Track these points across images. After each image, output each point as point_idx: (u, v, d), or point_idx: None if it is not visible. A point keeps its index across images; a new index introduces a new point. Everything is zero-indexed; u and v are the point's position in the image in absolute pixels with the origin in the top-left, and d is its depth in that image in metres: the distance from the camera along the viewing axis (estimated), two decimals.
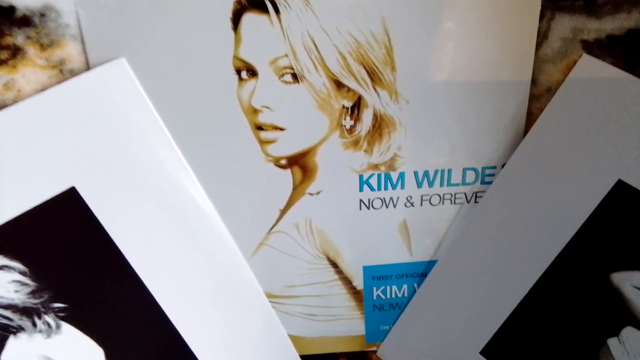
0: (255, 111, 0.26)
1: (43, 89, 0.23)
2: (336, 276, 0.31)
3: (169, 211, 0.26)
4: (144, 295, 0.26)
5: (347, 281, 0.31)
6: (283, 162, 0.27)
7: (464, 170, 0.28)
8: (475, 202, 0.29)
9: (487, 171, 0.28)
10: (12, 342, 0.23)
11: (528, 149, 0.27)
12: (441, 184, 0.29)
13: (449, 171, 0.28)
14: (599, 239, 0.26)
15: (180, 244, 0.27)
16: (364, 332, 0.33)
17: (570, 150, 0.26)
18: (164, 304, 0.27)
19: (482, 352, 0.29)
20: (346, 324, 0.32)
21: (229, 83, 0.25)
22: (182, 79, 0.25)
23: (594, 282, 0.26)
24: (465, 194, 0.29)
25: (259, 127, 0.26)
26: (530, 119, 0.27)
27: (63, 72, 0.23)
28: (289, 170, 0.28)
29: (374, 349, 0.33)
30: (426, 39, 0.25)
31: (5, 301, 0.23)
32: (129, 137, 0.25)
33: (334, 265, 0.30)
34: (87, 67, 0.24)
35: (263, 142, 0.27)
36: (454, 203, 0.29)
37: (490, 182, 0.29)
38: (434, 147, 0.27)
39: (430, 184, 0.29)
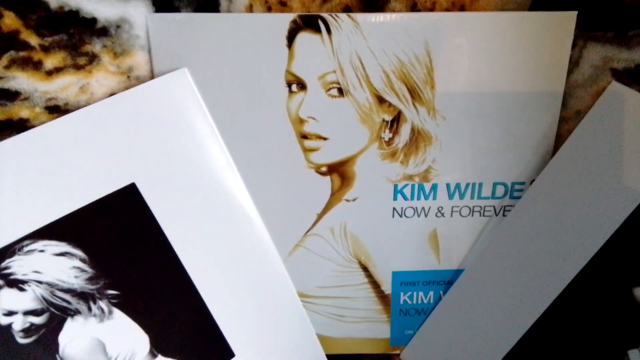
0: (301, 121, 0.27)
1: (112, 94, 0.25)
2: (366, 280, 0.32)
3: (216, 210, 0.28)
4: (188, 287, 0.28)
5: (375, 285, 0.32)
6: (324, 169, 0.29)
7: (494, 184, 0.30)
8: (504, 215, 0.30)
9: (516, 186, 0.30)
10: (69, 323, 0.25)
11: (556, 167, 0.29)
12: (472, 197, 0.30)
13: (480, 185, 0.30)
14: (623, 255, 0.27)
15: (224, 241, 0.29)
16: (389, 336, 0.34)
17: (596, 170, 0.28)
18: (206, 297, 0.28)
19: (505, 359, 0.30)
20: (372, 326, 0.33)
21: (280, 95, 0.27)
22: (238, 89, 0.27)
23: (616, 295, 0.27)
24: (494, 207, 0.30)
25: (304, 136, 0.28)
26: (559, 139, 0.29)
27: (130, 79, 0.25)
28: (328, 177, 0.29)
29: (397, 352, 0.34)
30: (464, 61, 0.27)
31: (66, 285, 0.24)
32: (186, 141, 0.27)
33: (365, 269, 0.32)
34: (152, 75, 0.26)
35: (307, 150, 0.28)
36: (483, 215, 0.30)
37: (518, 197, 0.30)
38: (466, 161, 0.29)
39: (461, 196, 0.30)
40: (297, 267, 0.32)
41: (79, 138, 0.25)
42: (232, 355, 0.30)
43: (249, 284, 0.31)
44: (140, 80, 0.26)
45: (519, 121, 0.29)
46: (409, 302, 0.34)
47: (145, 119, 0.26)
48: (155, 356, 0.28)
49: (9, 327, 0.24)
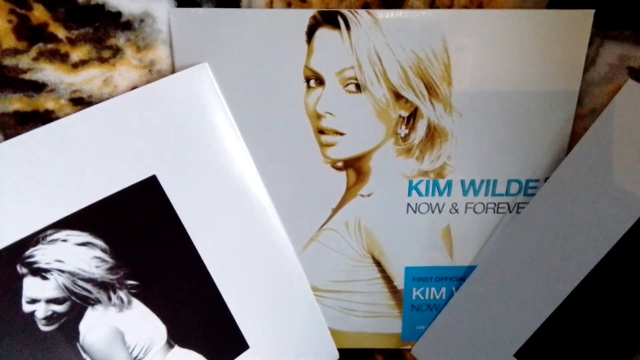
0: (319, 116, 0.28)
1: (134, 87, 0.25)
2: (379, 275, 0.32)
3: (233, 204, 0.29)
4: (205, 279, 0.28)
5: (388, 280, 0.32)
6: (340, 164, 0.29)
7: (509, 181, 0.30)
8: (517, 212, 0.30)
9: (531, 184, 0.30)
10: (90, 312, 0.25)
11: (571, 165, 0.29)
12: (486, 194, 0.30)
13: (494, 182, 0.30)
14: (636, 253, 0.27)
15: (240, 234, 0.29)
16: (400, 331, 0.34)
17: (611, 168, 0.28)
18: (222, 289, 0.29)
19: (516, 355, 0.30)
20: (384, 321, 0.34)
21: (298, 90, 0.27)
22: (257, 84, 0.27)
23: (629, 293, 0.27)
24: (508, 204, 0.30)
25: (321, 131, 0.28)
26: (574, 137, 0.29)
27: (152, 72, 0.25)
28: (344, 173, 0.29)
29: (408, 347, 0.35)
30: (482, 58, 0.27)
31: (87, 275, 0.25)
32: (205, 135, 0.27)
33: (378, 264, 0.32)
34: (173, 69, 0.26)
35: (323, 145, 0.28)
36: (497, 212, 0.30)
37: (532, 195, 0.30)
38: (481, 158, 0.29)
39: (476, 193, 0.30)
40: (311, 261, 0.32)
41: (102, 130, 0.25)
42: (247, 347, 0.31)
43: (264, 277, 0.31)
44: (161, 74, 0.26)
45: (535, 118, 0.29)
46: (421, 297, 0.34)
47: (166, 112, 0.26)
48: (172, 347, 0.28)
49: (32, 314, 0.24)
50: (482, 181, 0.30)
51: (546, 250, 0.30)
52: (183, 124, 0.27)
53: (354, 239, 0.32)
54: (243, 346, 0.31)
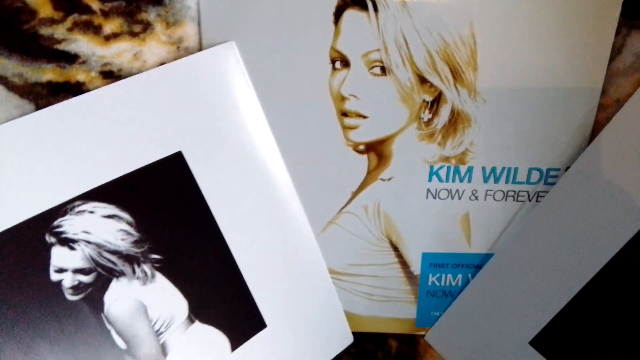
0: (343, 99, 0.28)
1: (162, 63, 0.26)
2: (395, 260, 0.32)
3: (254, 183, 0.29)
4: (226, 256, 0.28)
5: (405, 265, 0.32)
6: (361, 147, 0.29)
7: (530, 169, 0.30)
8: (537, 201, 0.31)
9: (551, 172, 0.30)
10: (114, 284, 0.25)
11: (592, 155, 0.29)
12: (506, 181, 0.30)
13: (515, 169, 0.30)
14: None
15: (261, 214, 0.29)
16: (415, 316, 0.34)
17: (633, 159, 0.28)
18: (242, 267, 0.29)
19: (532, 343, 0.30)
20: (399, 306, 0.34)
21: (323, 72, 0.27)
22: (282, 64, 0.27)
23: None
24: (528, 192, 0.30)
25: (344, 114, 0.28)
26: (597, 127, 0.29)
27: (180, 49, 0.26)
28: (365, 156, 0.29)
29: (422, 333, 0.35)
30: (509, 44, 0.27)
31: (112, 247, 0.25)
32: (230, 113, 0.27)
33: (395, 249, 0.32)
34: (200, 47, 0.26)
35: (346, 128, 0.28)
36: (516, 200, 0.30)
37: (553, 184, 0.30)
38: (503, 145, 0.29)
39: (496, 180, 0.30)
40: (329, 244, 0.33)
41: (131, 104, 0.25)
42: (264, 325, 0.31)
43: (283, 258, 0.32)
44: (188, 52, 0.27)
45: (558, 107, 0.29)
46: (437, 283, 0.34)
47: (192, 89, 0.26)
48: (192, 322, 0.28)
49: (59, 283, 0.24)
50: (503, 168, 0.30)
51: (565, 239, 0.30)
52: (209, 101, 0.27)
53: (372, 223, 0.32)
54: (261, 325, 0.31)
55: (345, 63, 0.28)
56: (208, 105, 0.27)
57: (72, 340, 0.25)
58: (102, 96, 0.24)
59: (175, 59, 0.26)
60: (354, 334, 0.36)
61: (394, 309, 0.35)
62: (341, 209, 0.32)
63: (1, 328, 0.23)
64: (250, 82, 0.28)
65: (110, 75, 0.24)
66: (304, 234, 0.32)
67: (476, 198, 0.31)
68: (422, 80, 0.28)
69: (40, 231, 0.23)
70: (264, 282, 0.31)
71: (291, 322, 0.33)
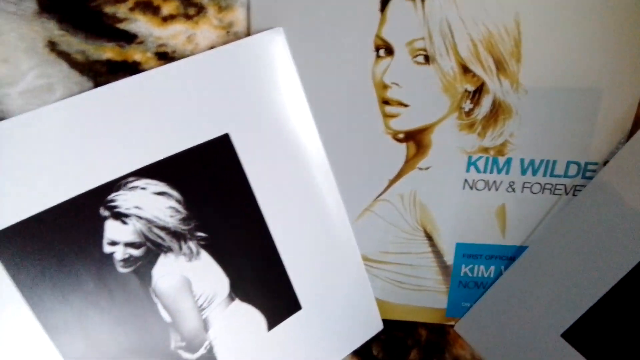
0: (385, 87, 0.28)
1: (212, 47, 0.26)
2: (429, 249, 0.33)
3: (295, 168, 0.30)
4: (266, 238, 0.29)
5: (438, 255, 0.33)
6: (401, 136, 0.29)
7: (568, 163, 0.30)
8: (574, 195, 0.31)
9: (589, 166, 0.30)
10: (162, 259, 0.26)
11: (631, 150, 0.29)
12: (544, 174, 0.30)
13: (554, 162, 0.30)
14: None
15: (300, 198, 0.30)
16: (445, 306, 0.35)
17: None
18: (281, 250, 0.30)
19: (564, 335, 0.31)
20: (430, 295, 0.34)
21: (367, 59, 0.28)
22: (327, 50, 0.28)
23: None
24: (565, 186, 0.30)
25: (386, 102, 0.29)
26: (637, 122, 0.29)
27: (229, 34, 0.26)
28: (404, 144, 0.30)
29: (452, 323, 0.35)
30: (553, 37, 0.27)
31: (162, 223, 0.26)
32: (274, 98, 0.28)
33: (429, 238, 0.32)
34: (248, 32, 0.27)
35: (387, 116, 0.29)
36: (553, 193, 0.31)
37: (590, 177, 0.30)
38: (543, 137, 0.29)
39: (534, 173, 0.30)
40: (363, 231, 0.33)
41: (182, 86, 0.26)
42: (299, 307, 0.32)
43: (318, 243, 0.32)
44: (237, 36, 0.27)
45: (599, 100, 0.29)
46: (470, 274, 0.34)
47: (240, 73, 0.27)
48: (233, 300, 0.29)
49: (111, 256, 0.25)
50: (541, 161, 0.31)
51: (601, 233, 0.30)
52: (255, 85, 0.28)
53: (407, 212, 0.32)
54: (296, 307, 0.32)
55: (389, 51, 0.28)
56: (254, 89, 0.28)
57: (122, 311, 0.26)
58: (157, 77, 0.25)
59: (224, 43, 0.27)
60: (384, 321, 0.36)
61: (425, 298, 0.35)
62: (377, 196, 0.32)
63: (58, 294, 0.24)
64: (295, 68, 0.29)
65: (165, 57, 0.25)
66: (340, 220, 0.33)
67: (513, 190, 0.31)
68: (465, 69, 0.28)
69: (95, 204, 0.25)
70: (300, 265, 0.32)
71: (324, 306, 0.33)
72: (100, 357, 0.25)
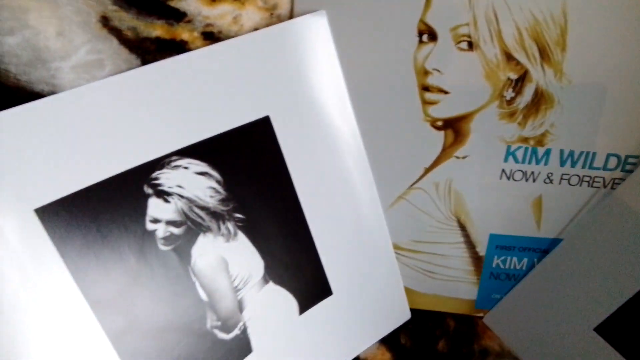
0: (426, 73, 0.28)
1: (255, 28, 0.26)
2: (462, 239, 0.33)
3: (331, 152, 0.30)
4: (301, 222, 0.29)
5: (471, 246, 0.33)
6: (439, 123, 0.29)
7: (608, 155, 0.30)
8: (612, 188, 0.30)
9: (630, 160, 0.30)
10: (201, 239, 0.27)
11: None
12: (583, 166, 0.30)
13: (594, 154, 0.29)
14: None
15: (335, 184, 0.30)
16: (475, 297, 0.34)
17: None
18: (315, 235, 0.30)
19: (597, 329, 0.30)
20: (460, 286, 0.34)
21: (409, 44, 0.28)
22: (369, 34, 0.28)
23: None
24: (604, 178, 0.30)
25: (426, 88, 0.28)
26: None
27: (272, 16, 0.26)
28: (442, 132, 0.30)
29: (480, 315, 0.35)
30: (600, 27, 0.27)
31: (202, 203, 0.26)
32: (314, 82, 0.28)
33: (462, 228, 0.32)
34: (291, 14, 0.27)
35: (426, 103, 0.29)
36: (591, 186, 0.30)
37: (630, 171, 0.30)
38: (584, 129, 0.29)
39: (573, 164, 0.30)
40: (396, 219, 0.33)
41: (226, 67, 0.26)
42: (330, 293, 0.32)
43: (351, 229, 0.32)
44: (280, 19, 0.27)
45: None
46: (502, 266, 0.34)
47: (283, 56, 0.27)
48: (267, 282, 0.29)
49: (153, 233, 0.26)
50: (581, 153, 0.30)
51: (639, 228, 0.30)
52: (296, 69, 0.28)
53: (442, 201, 0.32)
54: (327, 292, 0.32)
55: (433, 36, 0.28)
56: (295, 72, 0.28)
57: (161, 288, 0.26)
58: (202, 57, 0.25)
59: (267, 25, 0.27)
60: (412, 310, 0.36)
61: (455, 289, 0.35)
62: (412, 184, 0.32)
63: (101, 268, 0.24)
64: (335, 52, 0.29)
65: (211, 37, 0.25)
66: (373, 208, 0.33)
67: (551, 181, 0.31)
68: (509, 57, 0.28)
69: (140, 182, 0.25)
70: (333, 250, 0.32)
71: (354, 292, 0.33)
72: (139, 333, 0.26)
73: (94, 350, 0.25)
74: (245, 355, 0.30)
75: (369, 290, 0.34)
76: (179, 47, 0.25)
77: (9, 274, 0.22)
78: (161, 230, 0.26)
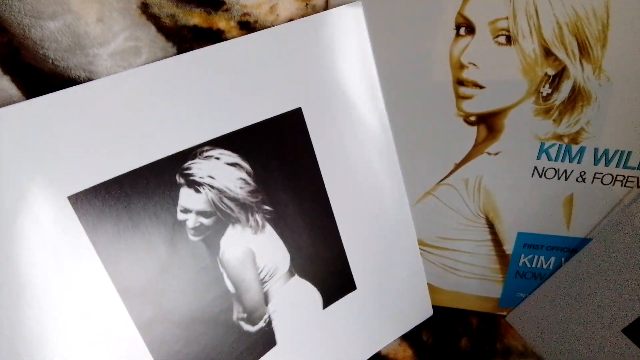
0: (462, 66, 0.28)
1: (291, 19, 0.26)
2: (489, 237, 0.33)
3: (361, 147, 0.30)
4: (328, 217, 0.29)
5: (498, 244, 0.33)
6: (472, 118, 0.29)
7: None
8: None
9: None
10: (230, 230, 0.27)
11: None
12: (617, 165, 0.30)
13: (628, 154, 0.29)
14: None
15: (363, 179, 0.30)
16: (499, 296, 0.34)
17: None
18: (341, 229, 0.30)
19: (624, 331, 0.30)
20: (484, 284, 0.34)
21: (446, 37, 0.27)
22: (406, 27, 0.28)
23: None
24: (637, 178, 0.30)
25: (460, 82, 0.28)
26: None
27: (307, 7, 0.26)
28: (475, 128, 0.29)
29: (504, 313, 0.35)
30: None
31: (232, 194, 0.26)
32: (346, 74, 0.28)
33: (490, 226, 0.32)
34: (326, 5, 0.26)
35: (460, 97, 0.29)
36: (624, 186, 0.30)
37: None
38: (621, 127, 0.29)
39: (607, 163, 0.30)
40: (422, 215, 0.33)
41: (261, 57, 0.26)
42: (354, 287, 0.32)
43: (376, 225, 0.32)
44: (315, 10, 0.27)
45: None
46: (528, 265, 0.34)
47: (317, 47, 0.27)
48: (292, 275, 0.29)
49: (183, 223, 0.26)
50: (615, 152, 0.30)
51: None
52: (330, 60, 0.28)
53: (471, 198, 0.32)
54: (351, 286, 0.32)
55: (471, 30, 0.28)
56: (329, 64, 0.28)
57: (190, 278, 0.26)
58: (237, 46, 0.25)
59: (302, 15, 0.27)
60: (434, 307, 0.36)
61: (479, 287, 0.35)
62: (441, 180, 0.32)
63: (132, 257, 0.24)
64: (369, 44, 0.28)
65: (247, 27, 0.25)
66: (400, 203, 0.32)
67: (583, 180, 0.31)
68: (547, 52, 0.28)
69: (172, 171, 0.25)
70: (358, 245, 0.32)
71: (377, 287, 0.34)
72: (167, 323, 0.26)
73: (122, 339, 0.25)
74: (270, 348, 0.30)
75: (393, 286, 0.34)
76: (215, 36, 0.24)
77: (43, 259, 0.22)
78: (191, 220, 0.26)
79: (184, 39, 0.24)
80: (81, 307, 0.23)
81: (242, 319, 0.28)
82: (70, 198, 0.23)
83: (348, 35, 0.28)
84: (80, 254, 0.23)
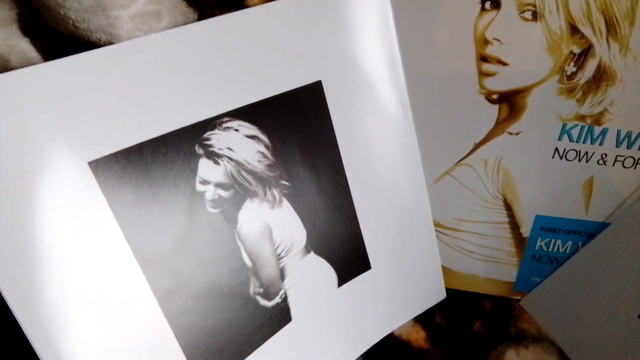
0: (485, 42, 0.28)
1: None
2: (506, 219, 0.33)
3: (379, 124, 0.30)
4: (345, 194, 0.30)
5: (515, 226, 0.33)
6: (495, 96, 0.29)
7: None
8: None
9: None
10: (248, 203, 0.27)
11: None
12: (639, 148, 0.29)
13: None
14: None
15: (380, 156, 0.31)
16: (513, 279, 0.35)
17: None
18: (357, 207, 0.30)
19: None
20: (499, 267, 0.34)
21: (471, 11, 0.27)
22: (429, 0, 0.27)
23: None
24: None
25: (484, 59, 0.28)
26: None
27: None
28: (497, 106, 0.29)
29: (517, 297, 0.35)
30: None
31: (250, 167, 0.26)
32: (368, 48, 0.28)
33: (508, 208, 0.32)
34: None
35: (482, 74, 0.29)
36: None
37: None
38: None
39: (629, 146, 0.30)
40: (439, 195, 0.33)
41: (283, 27, 0.26)
42: (369, 267, 0.32)
43: (392, 204, 0.32)
44: None
45: None
46: (544, 248, 0.34)
47: (339, 19, 0.27)
48: (308, 252, 0.30)
49: (202, 195, 0.26)
50: (638, 134, 0.30)
51: None
52: (352, 33, 0.28)
53: (489, 179, 0.32)
54: (366, 266, 0.32)
55: (496, 4, 0.28)
56: (350, 37, 0.28)
57: (208, 250, 0.26)
58: (259, 14, 0.25)
59: None
60: (448, 290, 0.36)
61: (493, 270, 0.35)
62: (460, 160, 0.32)
63: (151, 227, 0.24)
64: (392, 18, 0.28)
65: None
66: (417, 183, 0.33)
67: (604, 163, 0.31)
68: (574, 29, 0.28)
69: (192, 141, 0.25)
70: (373, 224, 0.32)
71: (391, 268, 0.34)
72: (185, 294, 0.26)
73: (140, 308, 0.25)
74: (285, 324, 0.30)
75: (407, 267, 0.35)
76: (237, 3, 0.24)
77: (64, 224, 0.22)
78: (210, 192, 0.26)
79: (206, 5, 0.24)
80: (101, 274, 0.23)
81: (259, 294, 0.29)
82: (91, 164, 0.23)
83: (371, 7, 0.28)
84: (100, 220, 0.23)
